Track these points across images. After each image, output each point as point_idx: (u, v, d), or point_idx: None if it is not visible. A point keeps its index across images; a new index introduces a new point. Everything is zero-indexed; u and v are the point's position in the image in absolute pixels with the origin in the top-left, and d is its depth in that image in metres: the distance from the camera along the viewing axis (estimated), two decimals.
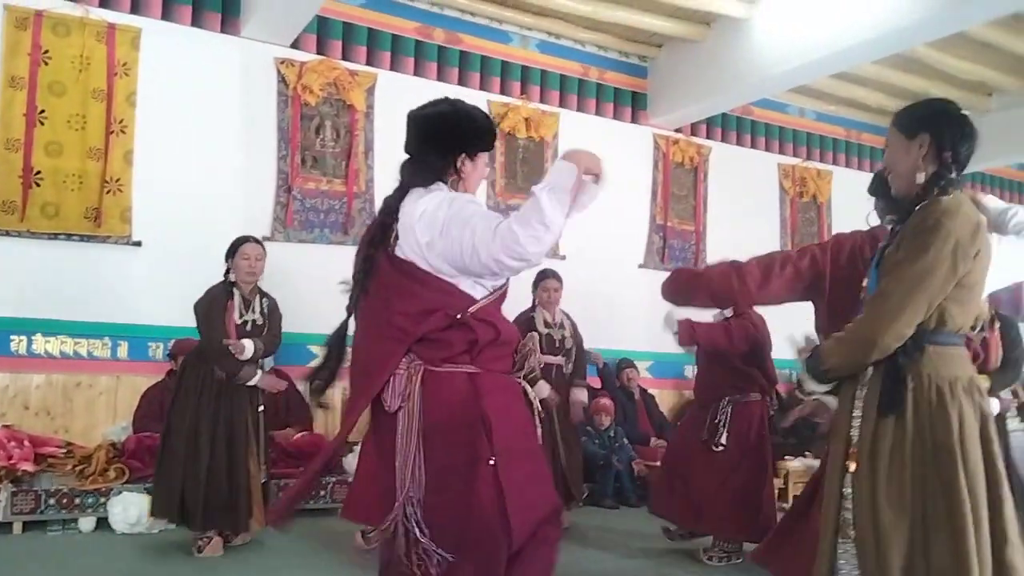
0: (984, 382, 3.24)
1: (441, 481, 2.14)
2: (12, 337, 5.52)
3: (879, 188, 2.92)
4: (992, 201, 2.63)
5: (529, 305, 5.40)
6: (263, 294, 4.62)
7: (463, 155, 2.35)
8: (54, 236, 5.63)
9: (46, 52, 5.65)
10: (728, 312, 4.74)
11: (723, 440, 4.58)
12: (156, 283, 5.76)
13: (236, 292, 4.49)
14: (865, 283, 2.32)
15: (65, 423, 5.61)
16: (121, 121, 5.83)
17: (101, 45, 5.80)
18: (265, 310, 4.57)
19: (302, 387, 6.06)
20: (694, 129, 8.33)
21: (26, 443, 5.01)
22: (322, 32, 6.60)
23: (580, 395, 5.43)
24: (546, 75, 7.58)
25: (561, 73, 7.65)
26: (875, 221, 2.99)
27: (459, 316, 2.20)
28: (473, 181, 2.40)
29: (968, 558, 1.95)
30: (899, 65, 7.65)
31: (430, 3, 6.96)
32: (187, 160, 6.01)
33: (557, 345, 5.31)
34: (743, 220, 8.13)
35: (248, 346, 4.39)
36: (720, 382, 4.74)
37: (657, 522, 5.03)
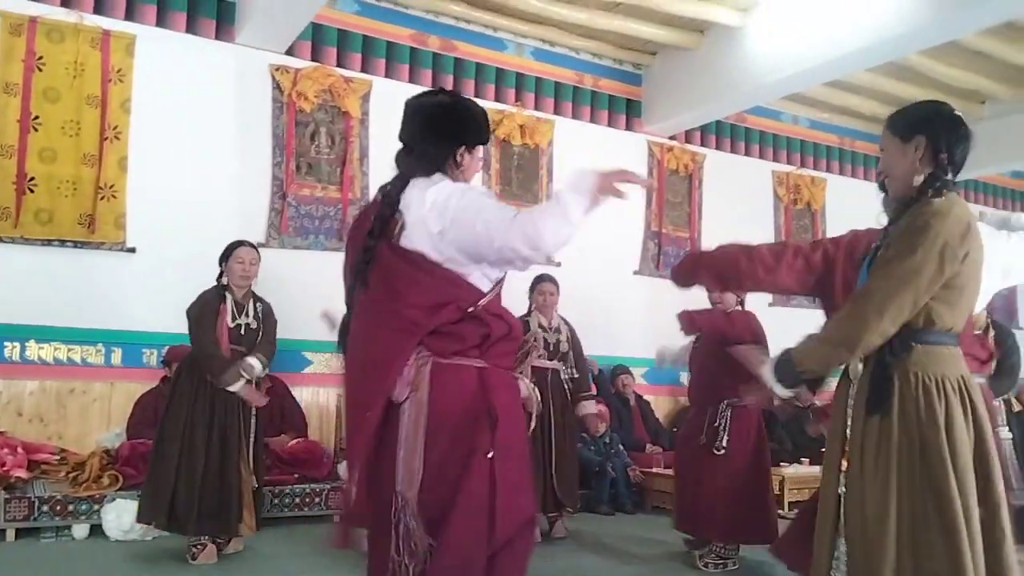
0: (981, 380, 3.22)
1: (441, 474, 2.12)
2: (6, 343, 5.50)
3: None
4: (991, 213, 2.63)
5: (526, 310, 5.40)
6: (257, 298, 4.62)
7: (463, 147, 2.36)
8: (48, 242, 5.62)
9: (40, 58, 5.65)
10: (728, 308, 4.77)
11: (724, 443, 4.58)
12: (150, 289, 5.75)
13: (229, 296, 4.49)
14: (859, 283, 2.32)
15: (59, 430, 5.59)
16: (115, 127, 5.82)
17: (95, 51, 5.79)
18: (259, 314, 4.57)
19: (296, 393, 6.09)
20: (688, 136, 8.36)
21: (19, 450, 4.99)
22: (317, 39, 6.62)
23: (587, 408, 5.41)
24: (541, 82, 7.60)
25: (556, 80, 7.67)
26: (885, 221, 2.98)
27: (470, 309, 2.20)
28: (470, 174, 2.41)
29: (962, 557, 1.94)
30: (892, 73, 7.69)
31: (425, 10, 6.97)
32: (181, 167, 6.00)
33: (552, 349, 5.31)
34: (738, 227, 8.11)
35: (257, 366, 4.41)
36: (718, 384, 4.73)
37: (652, 528, 5.03)
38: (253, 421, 4.51)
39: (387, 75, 6.83)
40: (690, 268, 3.17)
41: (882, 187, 2.96)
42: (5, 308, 5.46)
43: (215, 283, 4.53)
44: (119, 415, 5.65)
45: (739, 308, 4.81)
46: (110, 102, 5.82)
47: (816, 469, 5.50)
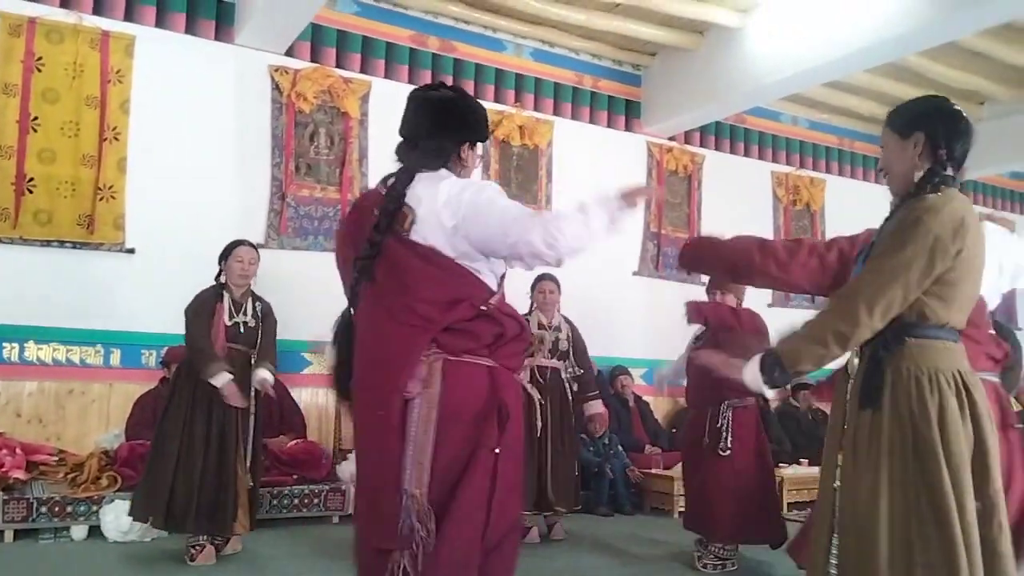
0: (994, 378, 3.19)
1: (447, 471, 2.11)
2: (4, 344, 5.49)
3: None
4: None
5: (527, 309, 5.39)
6: (256, 298, 4.62)
7: (467, 143, 2.36)
8: (47, 243, 5.61)
9: (39, 59, 5.65)
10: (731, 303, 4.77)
11: (728, 444, 4.58)
12: (149, 290, 5.74)
13: (226, 295, 4.49)
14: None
15: (57, 431, 5.59)
16: (114, 128, 5.82)
17: (95, 52, 5.79)
18: (258, 313, 4.57)
19: (296, 394, 6.09)
20: (688, 137, 8.36)
21: (18, 451, 4.98)
22: (316, 40, 6.62)
23: (595, 408, 5.38)
24: (540, 83, 7.60)
25: (555, 81, 7.67)
26: None
27: (483, 308, 2.19)
28: (470, 171, 2.41)
29: (956, 549, 1.94)
30: (891, 74, 7.69)
31: (424, 11, 6.98)
32: (180, 167, 6.00)
33: (552, 348, 5.31)
34: (737, 228, 7.93)
35: (269, 378, 4.45)
36: (719, 384, 4.71)
37: (650, 529, 5.02)
38: (252, 421, 4.50)
39: (386, 76, 6.84)
40: (700, 254, 3.08)
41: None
42: (4, 309, 5.45)
43: (214, 282, 4.54)
44: (118, 416, 5.65)
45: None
46: (109, 103, 5.81)
47: (815, 470, 5.50)
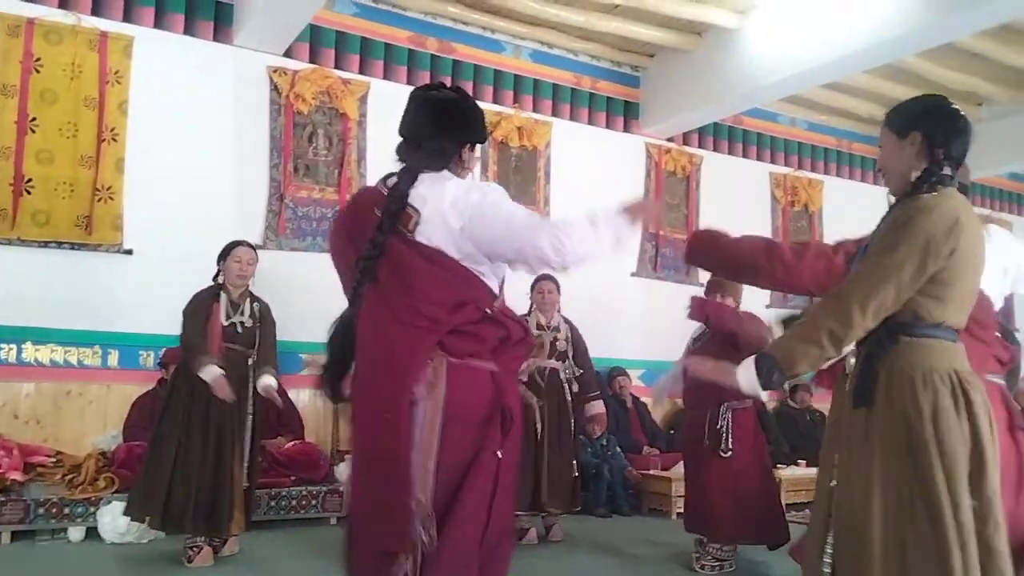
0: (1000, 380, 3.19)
1: (451, 474, 2.10)
2: (2, 345, 5.48)
3: None
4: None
5: (526, 310, 5.40)
6: (255, 298, 4.61)
7: (467, 144, 2.36)
8: (45, 244, 5.60)
9: (38, 60, 5.64)
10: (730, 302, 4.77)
11: (729, 445, 4.58)
12: (147, 291, 5.73)
13: (224, 295, 4.49)
14: None
15: (55, 432, 5.57)
16: (113, 129, 5.82)
17: (93, 53, 5.79)
18: (256, 314, 4.56)
19: (293, 395, 6.08)
20: (686, 138, 8.36)
21: (15, 452, 4.98)
22: (315, 41, 6.61)
23: (596, 408, 5.37)
24: (539, 84, 7.60)
25: (554, 82, 7.68)
26: None
27: (488, 311, 2.19)
28: (469, 171, 2.41)
29: (949, 546, 1.93)
30: (890, 75, 7.70)
31: (423, 12, 6.98)
32: (179, 168, 5.99)
33: (549, 348, 5.31)
34: (735, 229, 8.12)
35: (273, 383, 4.46)
36: (719, 386, 4.69)
37: (648, 530, 5.02)
38: (249, 422, 4.50)
39: (385, 77, 6.84)
40: (707, 251, 3.02)
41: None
42: (1, 309, 5.44)
43: (211, 282, 4.54)
44: (115, 417, 5.64)
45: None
46: (108, 104, 5.81)
47: (813, 471, 5.50)
